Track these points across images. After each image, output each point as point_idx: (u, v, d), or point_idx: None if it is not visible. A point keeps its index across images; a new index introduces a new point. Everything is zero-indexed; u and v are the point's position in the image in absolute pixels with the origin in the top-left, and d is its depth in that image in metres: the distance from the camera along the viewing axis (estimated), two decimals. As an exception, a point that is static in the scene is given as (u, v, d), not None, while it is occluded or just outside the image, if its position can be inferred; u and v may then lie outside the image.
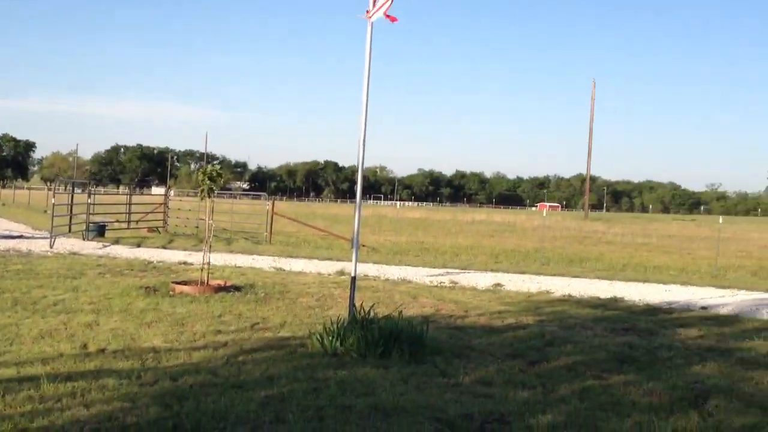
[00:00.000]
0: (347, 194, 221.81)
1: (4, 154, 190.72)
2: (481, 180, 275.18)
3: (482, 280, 18.02)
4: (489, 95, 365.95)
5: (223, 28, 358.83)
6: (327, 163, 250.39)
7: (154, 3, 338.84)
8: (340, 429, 6.39)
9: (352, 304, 10.29)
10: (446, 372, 8.44)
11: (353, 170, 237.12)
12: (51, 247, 22.54)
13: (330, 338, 9.30)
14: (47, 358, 8.41)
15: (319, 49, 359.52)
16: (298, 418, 6.60)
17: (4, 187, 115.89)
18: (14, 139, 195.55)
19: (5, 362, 8.18)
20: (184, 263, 19.49)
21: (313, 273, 18.31)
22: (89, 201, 28.42)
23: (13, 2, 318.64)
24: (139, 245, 24.95)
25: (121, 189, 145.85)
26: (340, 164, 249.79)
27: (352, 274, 10.52)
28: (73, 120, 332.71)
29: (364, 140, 10.41)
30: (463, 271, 20.01)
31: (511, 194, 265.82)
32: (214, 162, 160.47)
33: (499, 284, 17.17)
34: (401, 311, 11.09)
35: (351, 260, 10.53)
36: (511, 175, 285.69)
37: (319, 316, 11.86)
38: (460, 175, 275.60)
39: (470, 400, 7.35)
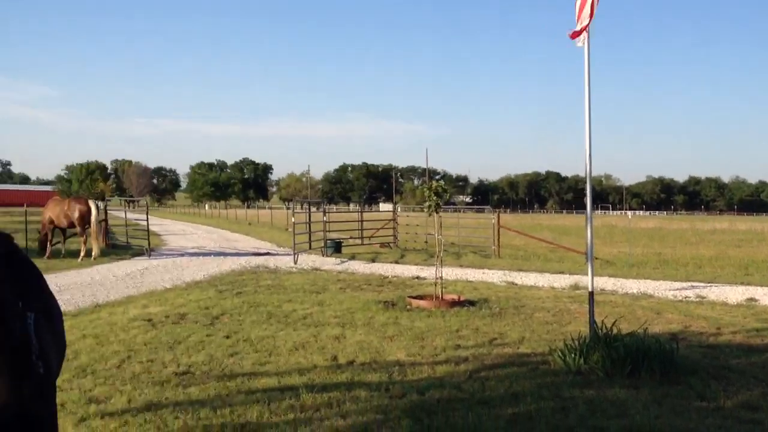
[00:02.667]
0: (572, 204, 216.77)
1: (246, 176, 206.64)
2: (718, 185, 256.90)
3: (732, 294, 16.78)
4: (722, 96, 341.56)
5: (451, 46, 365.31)
6: (548, 174, 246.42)
7: (382, 26, 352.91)
8: (593, 450, 6.22)
9: (592, 320, 10.00)
10: (704, 395, 7.92)
11: (576, 180, 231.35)
12: (295, 263, 24.09)
13: (573, 355, 9.09)
14: (303, 369, 8.96)
15: (534, 60, 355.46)
16: (548, 437, 6.51)
17: (248, 207, 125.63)
18: (254, 163, 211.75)
19: (267, 372, 8.82)
20: (417, 278, 19.99)
21: (545, 287, 18.04)
22: (325, 219, 30.06)
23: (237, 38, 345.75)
24: (373, 260, 25.95)
25: (351, 206, 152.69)
26: (563, 174, 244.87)
27: (590, 289, 10.22)
28: (305, 142, 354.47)
29: (590, 153, 10.10)
30: (708, 284, 18.76)
31: (753, 200, 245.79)
32: (436, 177, 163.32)
33: (752, 299, 15.89)
34: (646, 328, 10.60)
35: (584, 273, 10.29)
36: (752, 179, 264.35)
37: (557, 332, 11.65)
38: (695, 181, 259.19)
39: (736, 426, 6.84)
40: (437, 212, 14.93)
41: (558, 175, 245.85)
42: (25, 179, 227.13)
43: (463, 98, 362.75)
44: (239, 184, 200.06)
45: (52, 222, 25.08)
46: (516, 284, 18.64)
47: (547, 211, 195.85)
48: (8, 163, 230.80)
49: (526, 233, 36.01)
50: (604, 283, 18.75)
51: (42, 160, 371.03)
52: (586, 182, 10.46)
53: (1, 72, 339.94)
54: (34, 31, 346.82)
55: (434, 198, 14.64)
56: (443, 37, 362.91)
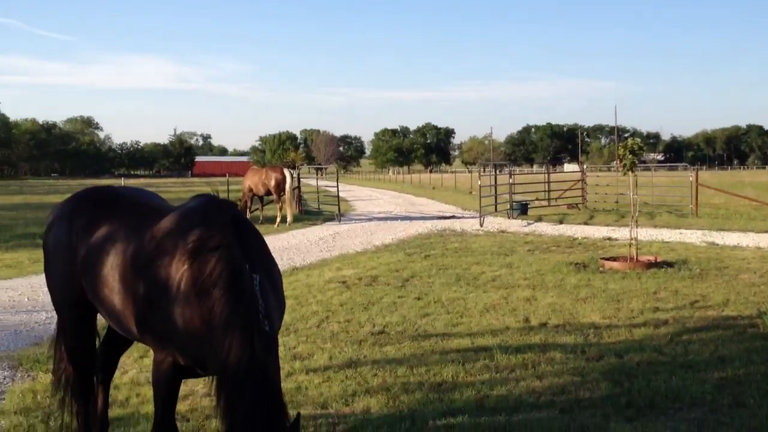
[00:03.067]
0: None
1: (428, 141, 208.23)
2: None
3: None
4: None
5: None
6: (750, 127, 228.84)
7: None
8: (814, 419, 5.78)
9: (809, 282, 9.24)
10: None
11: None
12: (481, 225, 24.08)
13: (786, 318, 8.47)
14: (495, 331, 8.98)
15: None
16: (761, 403, 6.13)
17: (431, 172, 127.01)
18: (436, 127, 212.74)
19: (460, 333, 8.91)
20: (609, 239, 19.35)
21: (750, 247, 16.87)
22: (510, 181, 29.74)
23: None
24: (560, 222, 25.41)
25: (535, 168, 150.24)
26: (766, 127, 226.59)
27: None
28: (486, 105, 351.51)
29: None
30: None
31: None
32: (625, 134, 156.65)
33: None
34: None
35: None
36: None
37: (766, 294, 10.90)
38: None
39: None
40: (633, 171, 14.34)
41: (761, 128, 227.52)
42: (223, 151, 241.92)
43: (653, 51, 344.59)
44: (422, 149, 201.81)
45: (251, 190, 26.57)
46: (717, 245, 17.57)
47: (747, 168, 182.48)
48: (208, 136, 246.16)
49: (727, 191, 33.78)
50: (819, 242, 17.26)
51: (238, 133, 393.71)
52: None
53: (204, 51, 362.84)
54: (229, 12, 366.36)
55: (630, 156, 14.07)
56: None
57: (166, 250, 4.15)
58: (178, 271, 4.01)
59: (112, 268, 4.45)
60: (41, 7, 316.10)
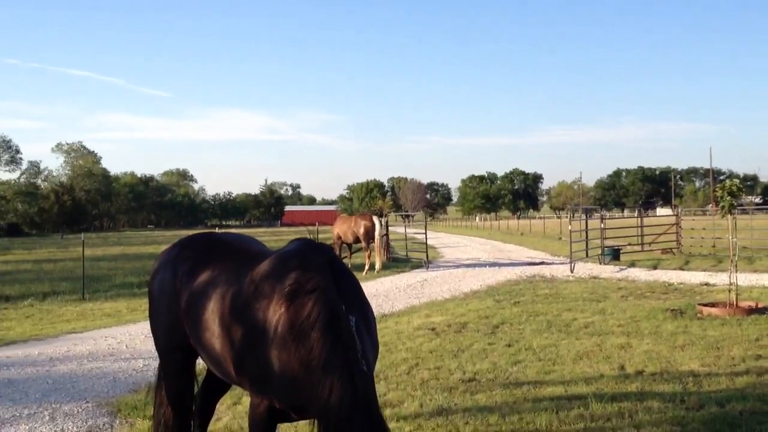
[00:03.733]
0: None
1: (516, 187, 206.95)
2: None
3: None
4: None
5: (731, 39, 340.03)
6: None
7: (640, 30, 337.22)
8: None
9: None
10: None
11: None
12: (572, 271, 23.66)
13: None
14: (589, 378, 8.77)
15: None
16: None
17: (519, 218, 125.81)
18: (523, 173, 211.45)
19: (552, 381, 8.74)
20: (706, 284, 18.71)
21: None
22: (601, 226, 29.20)
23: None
24: (655, 267, 24.73)
25: (626, 212, 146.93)
26: None
27: None
28: (575, 150, 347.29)
29: None
30: None
31: None
32: (721, 177, 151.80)
33: None
34: None
35: None
36: None
37: None
38: None
39: None
40: (731, 213, 13.91)
41: None
42: (311, 200, 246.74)
43: (748, 90, 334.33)
44: (509, 195, 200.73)
45: (339, 238, 26.94)
46: (824, 290, 16.76)
47: None
48: (298, 186, 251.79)
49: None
50: None
51: (326, 182, 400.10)
52: None
53: (295, 103, 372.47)
54: (319, 66, 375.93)
55: (728, 198, 13.67)
56: (724, 34, 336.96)
57: (264, 293, 4.25)
58: (276, 313, 4.09)
59: (212, 312, 4.59)
60: (142, 66, 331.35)
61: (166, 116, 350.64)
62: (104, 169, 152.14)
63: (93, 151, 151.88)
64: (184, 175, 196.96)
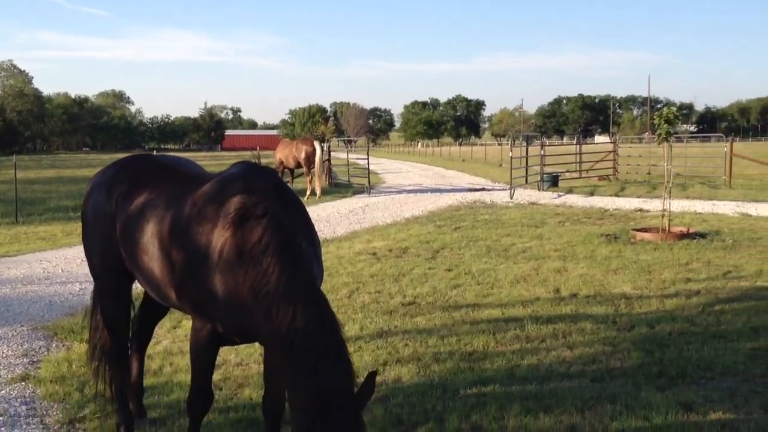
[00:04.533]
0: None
1: (458, 114, 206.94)
2: None
3: None
4: None
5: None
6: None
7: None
8: None
9: None
10: None
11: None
12: (511, 197, 23.99)
13: (821, 289, 8.37)
14: (526, 301, 8.99)
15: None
16: (797, 374, 6.10)
17: (461, 144, 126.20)
18: (466, 99, 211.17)
19: (490, 304, 8.93)
20: (640, 210, 19.21)
21: (786, 218, 16.66)
22: (541, 153, 29.51)
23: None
24: (591, 194, 25.23)
25: (566, 140, 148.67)
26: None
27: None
28: (517, 76, 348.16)
29: None
30: None
31: None
32: (658, 105, 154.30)
33: None
34: None
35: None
36: None
37: (800, 265, 10.78)
38: None
39: None
40: (667, 141, 14.17)
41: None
42: (253, 125, 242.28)
43: (686, 21, 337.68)
44: (452, 122, 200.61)
45: (281, 162, 26.71)
46: (751, 215, 17.37)
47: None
48: (239, 110, 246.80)
49: (762, 161, 33.20)
50: None
51: (268, 107, 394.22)
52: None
53: (235, 24, 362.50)
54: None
55: (665, 126, 13.89)
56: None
57: (207, 216, 4.14)
58: (221, 238, 3.99)
59: (151, 235, 4.48)
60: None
61: (102, 36, 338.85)
62: (36, 90, 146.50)
63: (24, 71, 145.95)
64: (120, 97, 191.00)
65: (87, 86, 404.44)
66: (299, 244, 3.92)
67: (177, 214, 4.37)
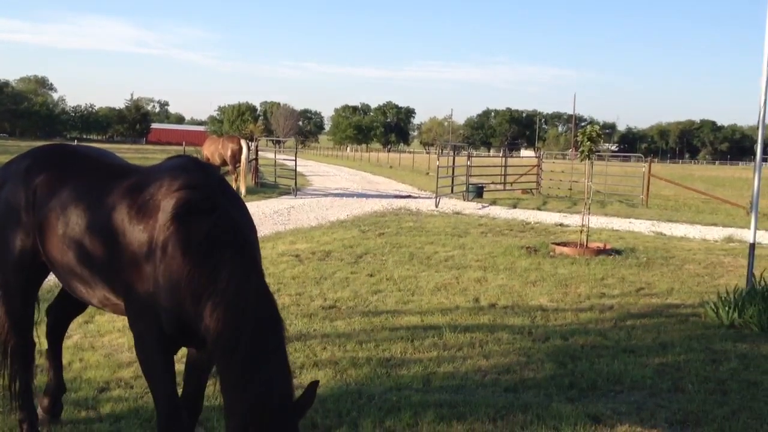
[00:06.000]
0: (727, 155, 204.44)
1: (388, 120, 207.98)
2: None
3: None
4: None
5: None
6: (703, 122, 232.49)
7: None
8: (746, 405, 5.99)
9: (750, 273, 9.53)
10: None
11: (734, 129, 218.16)
12: (436, 206, 24.21)
13: (726, 309, 8.71)
14: (445, 309, 9.07)
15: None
16: (698, 389, 6.33)
17: (389, 151, 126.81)
18: (396, 106, 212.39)
19: (410, 311, 8.99)
20: (561, 225, 19.65)
21: (697, 239, 17.28)
22: (468, 164, 29.92)
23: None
24: (514, 206, 25.68)
25: (492, 152, 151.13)
26: (718, 123, 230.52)
27: (751, 240, 9.73)
28: (449, 87, 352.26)
29: (766, 98, 9.49)
30: None
31: None
32: (583, 123, 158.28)
33: None
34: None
35: (739, 227, 9.94)
36: None
37: (708, 285, 11.19)
38: None
39: None
40: (589, 158, 14.53)
41: (713, 123, 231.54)
42: (180, 119, 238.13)
43: (613, 42, 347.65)
44: (381, 128, 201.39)
45: (207, 160, 26.32)
46: (665, 235, 17.96)
47: (698, 162, 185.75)
48: (166, 103, 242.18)
49: (678, 183, 34.45)
50: (761, 237, 17.71)
51: (196, 102, 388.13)
52: (758, 129, 9.87)
53: (164, 15, 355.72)
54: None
55: (588, 143, 14.23)
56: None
57: (147, 211, 3.96)
58: (163, 233, 3.83)
59: (81, 231, 4.24)
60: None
61: (24, 19, 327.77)
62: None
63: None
64: (42, 83, 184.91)
65: (6, 71, 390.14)
66: (251, 242, 3.85)
67: (111, 207, 4.13)
